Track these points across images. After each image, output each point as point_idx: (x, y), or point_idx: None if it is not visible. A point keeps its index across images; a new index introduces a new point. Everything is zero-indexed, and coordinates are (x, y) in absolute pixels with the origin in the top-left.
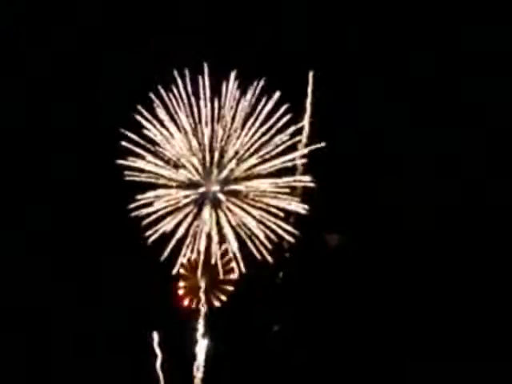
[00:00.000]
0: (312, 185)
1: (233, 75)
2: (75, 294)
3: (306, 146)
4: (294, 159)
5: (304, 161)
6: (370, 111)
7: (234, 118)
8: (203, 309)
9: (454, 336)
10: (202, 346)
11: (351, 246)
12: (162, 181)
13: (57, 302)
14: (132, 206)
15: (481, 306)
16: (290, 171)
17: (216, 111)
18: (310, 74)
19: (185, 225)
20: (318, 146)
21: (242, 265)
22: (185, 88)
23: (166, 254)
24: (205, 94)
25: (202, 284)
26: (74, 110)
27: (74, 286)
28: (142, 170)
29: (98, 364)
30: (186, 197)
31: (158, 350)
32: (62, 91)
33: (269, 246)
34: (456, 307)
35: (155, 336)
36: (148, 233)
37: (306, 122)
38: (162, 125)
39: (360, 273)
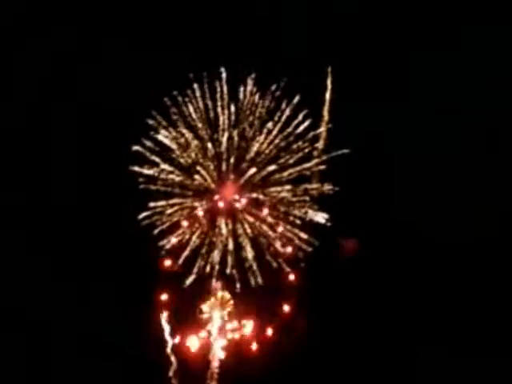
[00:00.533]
0: (330, 192)
1: (250, 81)
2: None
3: (324, 152)
4: (312, 166)
5: (322, 167)
6: (386, 115)
7: (251, 124)
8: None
9: (458, 333)
10: (215, 354)
11: (366, 250)
12: (175, 188)
13: (57, 302)
14: (144, 214)
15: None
16: (305, 178)
17: (233, 117)
18: (329, 81)
19: (199, 234)
20: (339, 152)
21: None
22: (202, 95)
23: (180, 262)
24: (222, 99)
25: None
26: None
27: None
28: (155, 178)
29: (111, 369)
30: (201, 205)
31: (172, 358)
32: (63, 91)
33: (285, 254)
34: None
35: (169, 343)
36: (161, 242)
37: (323, 129)
38: (177, 131)
39: (373, 275)
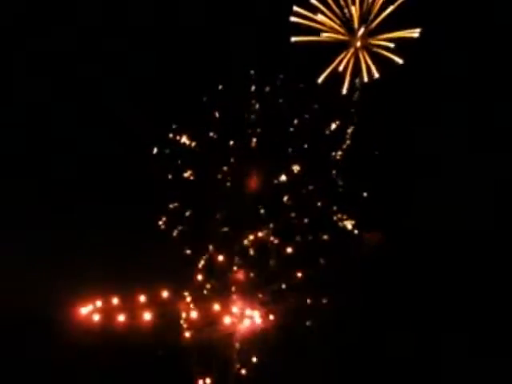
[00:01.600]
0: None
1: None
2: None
3: (350, 149)
4: (338, 172)
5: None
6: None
7: (278, 125)
8: None
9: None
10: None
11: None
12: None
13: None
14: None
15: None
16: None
17: (261, 118)
18: (357, 81)
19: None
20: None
21: None
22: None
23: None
24: (250, 99)
25: None
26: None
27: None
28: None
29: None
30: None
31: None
32: (63, 91)
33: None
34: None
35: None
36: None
37: (351, 129)
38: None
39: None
